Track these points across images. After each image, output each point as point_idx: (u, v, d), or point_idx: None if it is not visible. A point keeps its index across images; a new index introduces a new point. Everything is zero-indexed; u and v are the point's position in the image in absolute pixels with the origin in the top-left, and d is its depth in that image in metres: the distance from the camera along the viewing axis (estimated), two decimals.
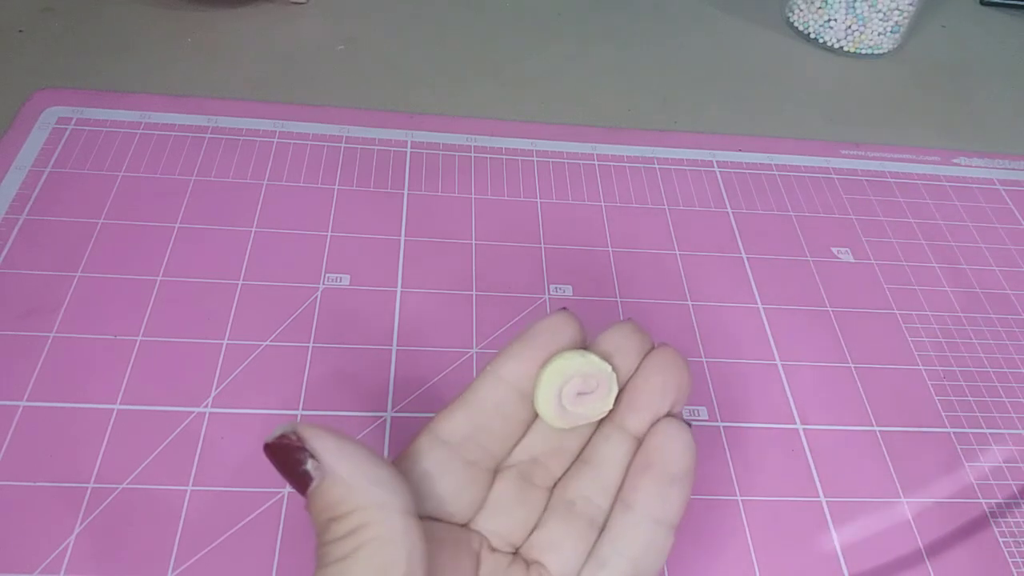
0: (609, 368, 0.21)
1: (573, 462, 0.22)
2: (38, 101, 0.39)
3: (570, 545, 0.21)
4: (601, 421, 0.22)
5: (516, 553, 0.22)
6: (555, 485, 0.22)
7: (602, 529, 0.21)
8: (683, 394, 0.21)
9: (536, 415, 0.22)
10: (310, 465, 0.18)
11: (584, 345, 0.22)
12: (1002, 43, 0.57)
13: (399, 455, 0.21)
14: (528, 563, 0.21)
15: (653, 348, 0.22)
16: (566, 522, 0.21)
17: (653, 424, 0.21)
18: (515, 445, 0.22)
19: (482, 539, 0.21)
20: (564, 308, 0.22)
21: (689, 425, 0.21)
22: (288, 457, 0.18)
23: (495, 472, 0.22)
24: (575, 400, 0.21)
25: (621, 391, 0.22)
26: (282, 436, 0.18)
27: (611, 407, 0.21)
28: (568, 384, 0.21)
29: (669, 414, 0.21)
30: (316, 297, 0.33)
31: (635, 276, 0.36)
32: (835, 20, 0.51)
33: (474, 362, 0.32)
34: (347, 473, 0.18)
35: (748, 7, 0.56)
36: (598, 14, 0.54)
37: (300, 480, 0.18)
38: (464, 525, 0.21)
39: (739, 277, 0.37)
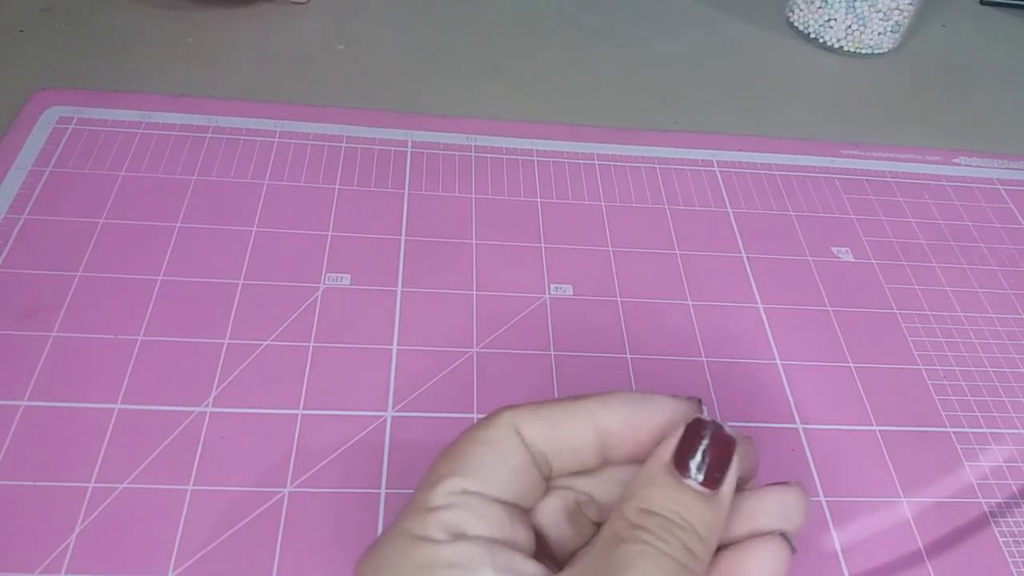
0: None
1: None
2: (38, 101, 0.39)
3: None
4: None
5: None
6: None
7: None
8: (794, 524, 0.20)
9: (603, 461, 0.21)
10: None
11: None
12: (1002, 43, 0.57)
13: (478, 435, 0.20)
14: None
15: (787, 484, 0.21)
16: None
17: (758, 535, 0.20)
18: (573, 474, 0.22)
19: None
20: (697, 399, 0.21)
21: (793, 551, 0.20)
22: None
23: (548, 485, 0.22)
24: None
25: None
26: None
27: None
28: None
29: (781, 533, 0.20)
30: (317, 297, 0.33)
31: (635, 276, 0.36)
32: (835, 20, 0.51)
33: (474, 362, 0.32)
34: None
35: (748, 7, 0.56)
36: (598, 14, 0.54)
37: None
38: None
39: (739, 277, 0.37)
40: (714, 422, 0.19)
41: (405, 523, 0.19)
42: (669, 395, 0.21)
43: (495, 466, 0.20)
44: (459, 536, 0.19)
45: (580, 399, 0.21)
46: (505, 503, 0.20)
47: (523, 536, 0.20)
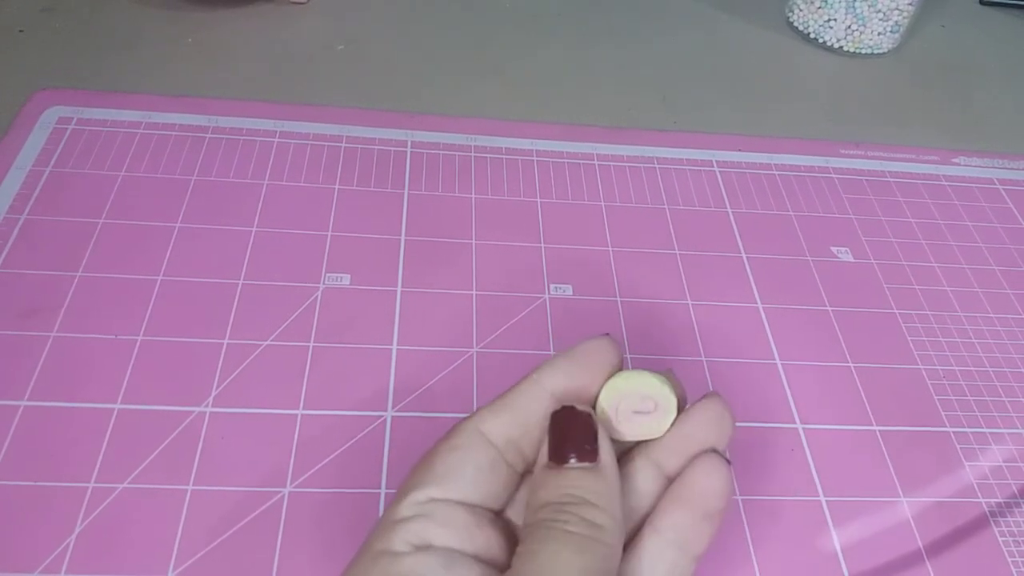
0: (668, 390, 0.21)
1: None
2: (39, 101, 0.39)
3: None
4: (637, 449, 0.22)
5: None
6: None
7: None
8: (723, 440, 0.22)
9: None
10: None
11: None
12: (1002, 43, 0.57)
13: (443, 446, 0.21)
14: None
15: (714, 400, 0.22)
16: None
17: (697, 456, 0.21)
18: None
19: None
20: (607, 334, 0.22)
21: (728, 463, 0.21)
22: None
23: (523, 476, 0.22)
24: (630, 417, 0.21)
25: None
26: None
27: (665, 429, 0.22)
28: (625, 401, 0.21)
29: (713, 450, 0.21)
30: (316, 297, 0.33)
31: (635, 276, 0.36)
32: (835, 20, 0.51)
33: (474, 362, 0.32)
34: None
35: (748, 7, 0.56)
36: (598, 14, 0.54)
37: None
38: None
39: (739, 277, 0.37)
40: (567, 407, 0.20)
41: (372, 540, 0.20)
42: (587, 337, 0.22)
43: (459, 469, 0.20)
44: (423, 547, 0.19)
45: (526, 376, 0.22)
46: (473, 506, 0.20)
47: (494, 540, 0.20)
